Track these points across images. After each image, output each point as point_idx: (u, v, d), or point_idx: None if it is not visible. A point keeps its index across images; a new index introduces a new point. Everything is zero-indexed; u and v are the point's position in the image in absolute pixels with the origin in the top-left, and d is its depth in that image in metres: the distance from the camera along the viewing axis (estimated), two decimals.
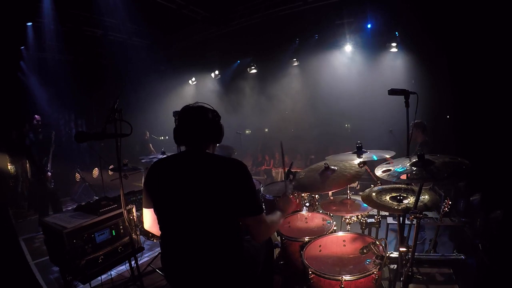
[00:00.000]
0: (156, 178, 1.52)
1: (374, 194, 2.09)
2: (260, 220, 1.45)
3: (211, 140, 1.57)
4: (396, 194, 2.02)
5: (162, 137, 8.77)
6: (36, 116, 4.83)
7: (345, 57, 6.82)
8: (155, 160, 3.54)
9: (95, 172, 7.19)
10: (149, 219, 1.67)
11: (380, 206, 1.96)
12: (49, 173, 4.76)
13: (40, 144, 4.79)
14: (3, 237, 2.47)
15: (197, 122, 1.51)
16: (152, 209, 1.58)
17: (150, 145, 7.63)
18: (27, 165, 4.96)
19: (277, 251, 2.61)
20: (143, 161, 4.00)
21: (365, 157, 2.29)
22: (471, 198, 3.33)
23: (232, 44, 7.29)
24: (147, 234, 2.89)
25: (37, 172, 4.69)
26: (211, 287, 1.41)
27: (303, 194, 2.77)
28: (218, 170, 1.41)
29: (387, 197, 2.03)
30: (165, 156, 3.54)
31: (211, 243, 1.39)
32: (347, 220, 2.45)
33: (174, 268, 1.48)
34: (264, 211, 1.51)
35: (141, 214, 3.06)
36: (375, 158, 2.25)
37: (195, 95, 9.35)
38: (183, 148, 1.56)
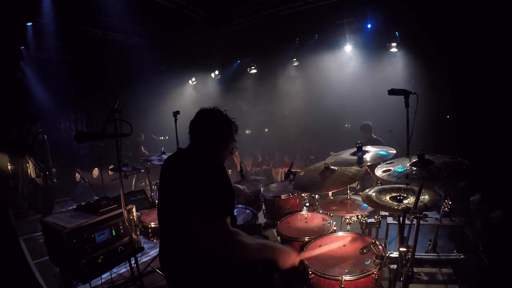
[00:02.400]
0: (160, 176, 1.55)
1: (374, 194, 2.09)
2: (212, 226, 1.25)
3: (210, 144, 1.54)
4: (396, 194, 2.02)
5: (162, 137, 8.77)
6: (39, 120, 4.98)
7: (345, 57, 6.82)
8: (152, 160, 3.56)
9: (95, 172, 7.19)
10: None
11: (380, 206, 1.96)
12: (54, 169, 4.88)
13: (41, 146, 4.92)
14: (3, 237, 2.47)
15: (199, 123, 1.56)
16: None
17: (142, 147, 7.59)
18: (28, 164, 4.97)
19: None
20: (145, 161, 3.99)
21: (367, 156, 2.27)
22: (471, 198, 3.33)
23: (232, 44, 7.29)
24: (147, 234, 2.89)
25: (44, 168, 4.77)
26: (210, 286, 1.41)
27: (303, 194, 2.77)
28: (190, 167, 1.38)
29: (387, 197, 2.02)
30: (163, 157, 3.56)
31: None
32: (347, 220, 2.45)
33: (171, 267, 1.48)
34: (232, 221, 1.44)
35: (141, 214, 3.07)
36: (384, 153, 2.23)
37: (195, 95, 9.36)
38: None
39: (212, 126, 1.56)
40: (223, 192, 1.33)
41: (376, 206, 1.98)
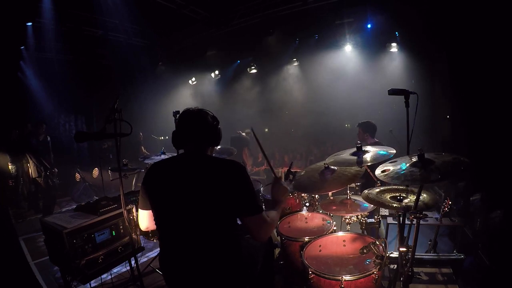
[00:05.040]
0: (155, 180, 1.53)
1: (374, 193, 2.09)
2: (259, 219, 1.45)
3: (210, 144, 1.59)
4: (396, 194, 2.02)
5: (162, 137, 8.77)
6: (43, 124, 5.09)
7: (345, 57, 6.82)
8: (153, 160, 3.56)
9: (95, 172, 7.19)
10: (146, 220, 1.67)
11: (381, 203, 1.95)
12: (56, 169, 4.92)
13: (43, 146, 4.96)
14: (3, 237, 2.47)
15: (197, 125, 1.54)
16: (148, 211, 1.58)
17: (142, 147, 7.57)
18: (30, 164, 4.98)
19: (277, 251, 2.61)
20: (145, 161, 3.99)
21: (367, 156, 2.27)
22: (471, 198, 3.33)
23: (232, 44, 7.29)
24: (147, 234, 2.89)
25: (46, 168, 4.80)
26: (211, 287, 1.42)
27: (303, 194, 2.77)
28: (216, 171, 1.43)
29: (387, 197, 2.02)
30: (163, 157, 3.56)
31: (209, 244, 1.40)
32: (347, 220, 2.45)
33: (173, 269, 1.48)
34: (264, 210, 1.51)
35: None
36: (385, 153, 2.23)
37: (195, 95, 9.36)
38: (181, 151, 1.58)
39: (210, 129, 1.57)
40: (254, 189, 1.50)
41: (376, 203, 1.98)
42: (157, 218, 1.52)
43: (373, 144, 3.85)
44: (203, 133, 1.54)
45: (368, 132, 3.71)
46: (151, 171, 1.57)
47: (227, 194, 1.39)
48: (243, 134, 6.21)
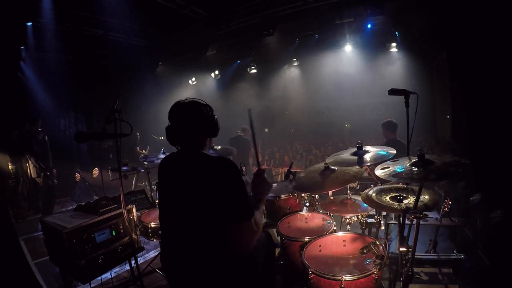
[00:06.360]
0: (159, 177, 1.54)
1: (374, 194, 2.09)
2: (247, 226, 1.31)
3: (206, 135, 1.51)
4: (396, 194, 2.01)
5: (162, 137, 8.76)
6: (39, 120, 5.04)
7: (345, 57, 6.83)
8: (152, 160, 3.57)
9: (95, 172, 7.18)
10: None
11: (381, 206, 1.95)
12: (54, 170, 4.92)
13: (41, 146, 4.95)
14: (3, 237, 2.47)
15: (190, 117, 1.45)
16: None
17: (137, 148, 7.52)
18: (29, 164, 4.97)
19: (277, 251, 2.61)
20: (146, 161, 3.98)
21: (367, 156, 2.26)
22: (471, 198, 3.32)
23: (232, 44, 7.30)
24: (147, 234, 2.89)
25: (44, 169, 4.79)
26: (210, 287, 1.42)
27: (303, 194, 2.77)
28: (206, 169, 1.36)
29: (387, 197, 2.02)
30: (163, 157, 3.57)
31: (208, 244, 1.39)
32: (347, 220, 2.45)
33: (173, 268, 1.48)
34: (254, 216, 1.36)
35: (141, 214, 3.07)
36: (385, 153, 2.23)
37: (195, 95, 9.30)
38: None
39: (205, 119, 1.49)
40: (245, 191, 1.35)
41: (377, 206, 1.98)
42: (159, 216, 1.53)
43: (391, 140, 4.06)
44: (198, 124, 1.45)
45: (389, 129, 4.12)
46: (159, 167, 1.56)
47: (214, 194, 1.30)
48: (245, 135, 6.15)
